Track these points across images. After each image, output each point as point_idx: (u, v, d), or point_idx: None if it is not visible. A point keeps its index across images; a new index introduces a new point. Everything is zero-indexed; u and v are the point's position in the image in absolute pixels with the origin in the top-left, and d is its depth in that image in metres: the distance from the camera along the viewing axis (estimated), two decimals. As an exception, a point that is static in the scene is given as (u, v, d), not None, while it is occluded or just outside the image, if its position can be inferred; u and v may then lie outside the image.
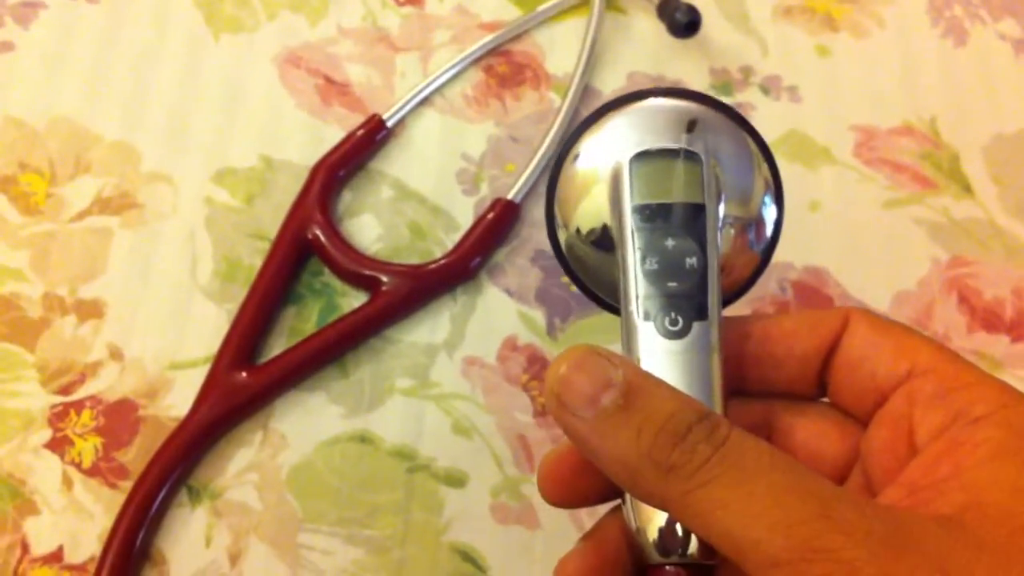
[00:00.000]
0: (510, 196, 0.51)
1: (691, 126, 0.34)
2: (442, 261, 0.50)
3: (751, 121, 0.35)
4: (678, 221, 0.33)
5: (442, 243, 0.51)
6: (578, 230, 0.35)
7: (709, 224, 0.33)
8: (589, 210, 0.35)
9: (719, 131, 0.34)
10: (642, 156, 0.34)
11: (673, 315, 0.32)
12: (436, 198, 0.53)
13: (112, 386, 0.47)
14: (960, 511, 0.25)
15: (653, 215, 0.33)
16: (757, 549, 0.24)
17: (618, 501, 0.32)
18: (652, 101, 0.35)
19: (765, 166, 0.35)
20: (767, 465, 0.26)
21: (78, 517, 0.45)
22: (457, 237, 0.51)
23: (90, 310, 0.49)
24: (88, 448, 0.46)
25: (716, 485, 0.26)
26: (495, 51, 0.57)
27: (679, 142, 0.34)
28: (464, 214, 0.52)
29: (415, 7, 0.58)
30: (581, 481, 0.33)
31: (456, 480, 0.46)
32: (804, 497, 0.25)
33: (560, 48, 0.58)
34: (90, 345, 0.48)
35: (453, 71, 0.56)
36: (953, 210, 0.53)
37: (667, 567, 0.30)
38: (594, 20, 0.57)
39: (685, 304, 0.32)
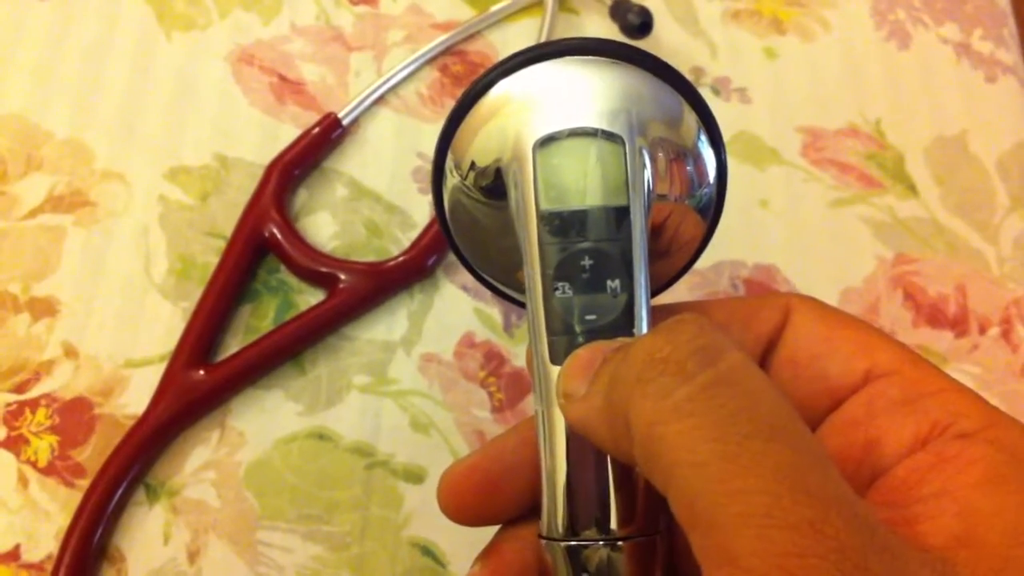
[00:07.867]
0: (466, 194, 0.52)
1: (611, 94, 0.27)
2: (399, 259, 0.50)
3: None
4: (596, 233, 0.26)
5: (399, 241, 0.52)
6: (470, 169, 0.29)
7: (636, 233, 0.27)
8: (483, 149, 0.29)
9: (646, 95, 0.28)
10: (549, 142, 0.27)
11: None
12: (392, 196, 0.53)
13: (67, 384, 0.47)
14: (954, 543, 0.23)
15: (565, 226, 0.26)
16: (719, 542, 0.20)
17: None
18: (560, 62, 0.28)
19: (704, 132, 0.29)
20: (767, 421, 0.21)
21: (35, 516, 0.44)
22: (414, 235, 0.51)
23: (43, 308, 0.48)
24: (44, 447, 0.46)
25: (696, 429, 0.21)
26: (449, 51, 0.57)
27: (597, 119, 0.27)
28: (420, 212, 0.53)
29: (369, 6, 0.58)
30: (489, 498, 0.29)
31: (414, 476, 0.47)
32: (798, 493, 0.20)
33: (514, 48, 0.57)
34: (44, 343, 0.48)
35: (408, 70, 0.56)
36: (897, 209, 0.55)
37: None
38: (547, 21, 0.57)
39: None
